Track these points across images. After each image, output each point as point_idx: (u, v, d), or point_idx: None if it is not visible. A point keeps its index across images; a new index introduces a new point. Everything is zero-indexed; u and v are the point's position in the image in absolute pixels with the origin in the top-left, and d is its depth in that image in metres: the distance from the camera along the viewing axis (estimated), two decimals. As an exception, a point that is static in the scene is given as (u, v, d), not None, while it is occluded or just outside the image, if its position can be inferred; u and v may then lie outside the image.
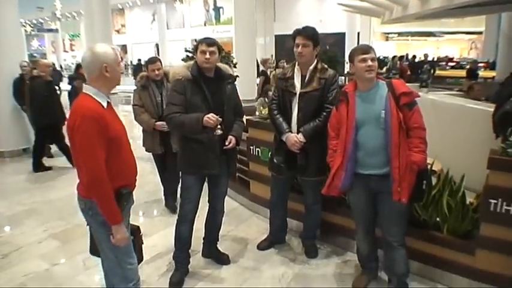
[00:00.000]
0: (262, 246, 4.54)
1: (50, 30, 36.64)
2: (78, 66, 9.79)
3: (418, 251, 3.82)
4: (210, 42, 3.64)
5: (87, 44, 21.39)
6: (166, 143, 5.34)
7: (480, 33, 22.16)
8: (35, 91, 7.38)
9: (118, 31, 37.33)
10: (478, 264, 3.52)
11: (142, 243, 3.22)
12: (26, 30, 34.61)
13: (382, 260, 3.72)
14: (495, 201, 3.30)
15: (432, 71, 16.52)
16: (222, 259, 4.26)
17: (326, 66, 4.00)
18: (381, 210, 3.44)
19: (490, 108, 4.63)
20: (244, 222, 5.28)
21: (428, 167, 3.39)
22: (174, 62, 22.92)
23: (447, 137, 4.83)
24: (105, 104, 2.67)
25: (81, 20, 40.06)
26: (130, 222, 2.99)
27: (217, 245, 4.33)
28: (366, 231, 3.67)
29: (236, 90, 3.96)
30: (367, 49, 3.30)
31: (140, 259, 3.14)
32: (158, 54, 34.81)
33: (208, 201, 4.12)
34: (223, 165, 3.88)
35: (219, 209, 4.15)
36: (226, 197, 4.23)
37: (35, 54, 38.87)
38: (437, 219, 3.79)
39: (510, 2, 6.71)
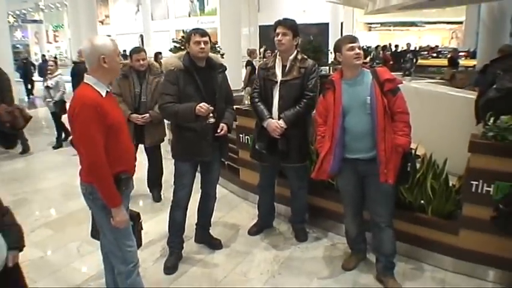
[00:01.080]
0: (252, 231, 4.66)
1: (35, 21, 36.22)
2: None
3: (404, 233, 3.96)
4: (203, 32, 3.75)
5: (71, 35, 21.23)
6: (139, 136, 5.32)
7: (461, 23, 22.51)
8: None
9: (102, 22, 37.02)
10: (461, 244, 3.68)
11: (142, 229, 3.33)
12: (9, 21, 34.20)
13: (371, 242, 3.86)
14: (476, 182, 3.46)
15: (414, 60, 16.75)
16: (214, 244, 4.37)
17: (305, 56, 4.15)
18: (368, 192, 3.58)
19: (471, 95, 4.81)
20: (234, 208, 5.40)
21: (412, 151, 3.52)
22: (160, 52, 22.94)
23: (431, 123, 4.97)
24: (103, 93, 2.76)
25: (64, 10, 39.71)
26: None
27: (210, 231, 4.44)
28: (354, 214, 3.81)
29: (227, 79, 4.07)
30: (354, 38, 3.47)
31: (139, 244, 3.24)
32: (143, 45, 34.53)
33: (201, 188, 4.23)
34: (216, 152, 4.00)
35: (212, 195, 4.26)
36: (217, 185, 4.34)
37: (17, 45, 38.41)
38: (422, 201, 3.94)
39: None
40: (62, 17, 41.74)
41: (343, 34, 25.01)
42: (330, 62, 16.38)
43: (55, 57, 20.27)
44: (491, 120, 3.48)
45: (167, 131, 5.74)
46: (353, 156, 3.51)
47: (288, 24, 4.04)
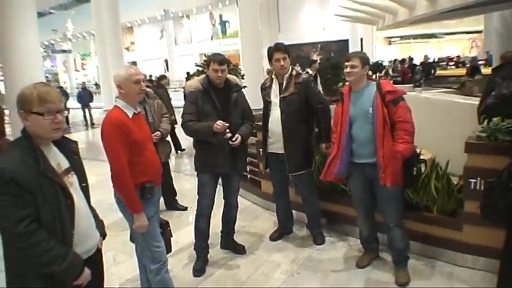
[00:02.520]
0: (273, 237, 5.01)
1: (64, 51, 37.57)
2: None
3: (414, 231, 4.24)
4: (221, 61, 4.15)
5: (99, 62, 22.03)
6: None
7: (480, 32, 22.56)
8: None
9: (128, 49, 38.03)
10: (466, 238, 3.96)
11: (171, 236, 3.79)
12: (39, 52, 35.52)
13: (386, 242, 4.19)
14: (474, 180, 3.76)
15: (433, 71, 16.98)
16: (238, 249, 4.74)
17: (300, 71, 4.63)
18: (377, 195, 3.92)
19: (476, 101, 5.10)
20: (257, 218, 5.75)
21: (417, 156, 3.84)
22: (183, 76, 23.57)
23: (439, 129, 5.28)
24: (130, 115, 3.23)
25: (91, 39, 40.98)
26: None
27: (234, 237, 4.81)
28: (365, 215, 4.15)
29: (244, 97, 4.49)
30: (349, 57, 3.86)
31: (169, 250, 3.69)
32: (167, 70, 35.47)
33: (224, 198, 4.62)
34: (234, 165, 4.37)
35: (233, 204, 4.65)
36: (240, 197, 4.77)
37: (47, 75, 39.72)
38: (427, 201, 4.24)
39: (496, 3, 7.16)
40: (89, 46, 43.09)
41: (363, 49, 25.41)
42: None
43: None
44: (485, 123, 3.80)
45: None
46: (360, 161, 3.87)
47: (284, 48, 4.51)
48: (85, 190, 2.51)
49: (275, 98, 4.56)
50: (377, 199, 3.96)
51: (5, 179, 2.04)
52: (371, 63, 16.15)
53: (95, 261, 2.53)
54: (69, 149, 2.46)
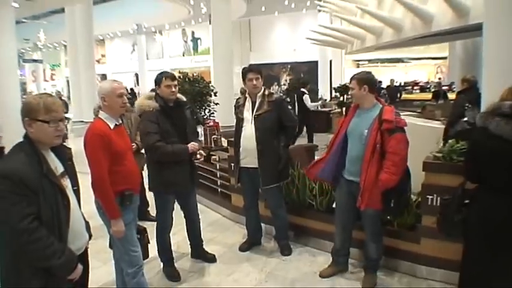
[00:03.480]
0: (243, 248, 5.22)
1: (35, 61, 37.21)
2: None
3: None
4: (172, 76, 4.36)
5: (70, 73, 21.88)
6: None
7: (445, 58, 23.35)
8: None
9: (98, 61, 37.81)
10: (423, 251, 4.26)
11: (149, 242, 4.01)
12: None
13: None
14: (431, 196, 4.07)
15: (399, 95, 17.63)
16: (209, 258, 4.93)
17: (272, 91, 4.95)
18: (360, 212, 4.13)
19: (436, 124, 5.46)
20: (227, 230, 5.95)
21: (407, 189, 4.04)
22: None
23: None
24: (112, 126, 3.45)
25: (61, 50, 40.66)
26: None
27: (203, 246, 5.01)
28: (342, 227, 4.39)
29: (193, 115, 4.73)
30: (350, 79, 4.13)
31: (146, 256, 3.92)
32: (138, 84, 35.42)
33: (185, 216, 4.83)
34: (192, 181, 4.59)
35: (196, 219, 4.87)
36: (211, 210, 4.99)
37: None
38: (388, 217, 4.53)
39: (456, 33, 7.62)
40: (59, 56, 42.73)
41: (332, 71, 25.99)
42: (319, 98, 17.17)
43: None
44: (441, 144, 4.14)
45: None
46: (348, 178, 4.12)
47: (257, 69, 4.81)
48: (76, 193, 2.74)
49: (248, 115, 4.82)
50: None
51: (15, 179, 2.25)
52: (340, 85, 16.73)
53: (83, 259, 2.72)
54: (63, 154, 2.68)
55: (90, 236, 2.88)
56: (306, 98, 12.29)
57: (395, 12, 6.86)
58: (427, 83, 23.82)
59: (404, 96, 18.64)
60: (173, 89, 4.30)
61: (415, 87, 22.72)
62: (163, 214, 4.54)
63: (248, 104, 4.87)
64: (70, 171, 2.71)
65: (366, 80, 3.98)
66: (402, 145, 3.77)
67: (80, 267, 2.53)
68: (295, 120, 5.05)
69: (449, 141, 4.12)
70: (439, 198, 3.95)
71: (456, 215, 3.32)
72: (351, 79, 4.10)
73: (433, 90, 17.42)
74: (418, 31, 6.39)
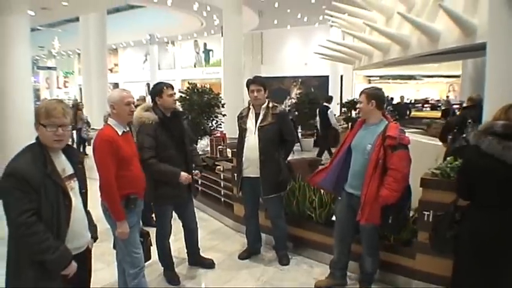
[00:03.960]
0: (242, 256, 5.30)
1: (49, 68, 37.65)
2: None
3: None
4: (171, 85, 4.51)
5: (83, 81, 22.16)
6: None
7: (458, 76, 23.26)
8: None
9: (111, 70, 38.18)
10: (418, 266, 4.28)
11: (151, 245, 4.13)
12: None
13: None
14: (428, 212, 4.09)
15: (408, 112, 17.63)
16: (207, 263, 5.02)
17: (276, 104, 5.01)
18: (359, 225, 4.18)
19: (437, 142, 5.51)
20: (228, 239, 6.02)
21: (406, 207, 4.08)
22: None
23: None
24: (120, 132, 3.61)
25: (75, 58, 41.11)
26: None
27: (200, 253, 5.09)
28: (339, 239, 4.43)
29: (189, 124, 4.85)
30: (360, 93, 4.20)
31: (148, 258, 4.04)
32: (149, 93, 35.63)
33: (183, 226, 4.92)
34: (189, 192, 4.71)
35: (194, 228, 4.96)
36: (213, 219, 5.20)
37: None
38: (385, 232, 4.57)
39: (466, 51, 7.68)
40: (73, 64, 43.19)
41: (343, 86, 26.08)
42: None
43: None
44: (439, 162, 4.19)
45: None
46: (349, 191, 4.18)
47: (260, 81, 4.91)
48: (84, 195, 2.88)
49: (251, 125, 4.92)
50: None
51: (18, 176, 2.44)
52: (348, 100, 16.80)
53: (84, 258, 2.87)
54: (75, 158, 2.85)
55: (96, 239, 3.03)
56: (331, 114, 12.16)
57: (402, 30, 6.95)
58: (438, 101, 23.72)
59: (414, 113, 18.62)
60: (174, 98, 4.48)
61: (426, 105, 22.67)
62: (162, 222, 4.64)
63: (251, 115, 4.98)
64: (79, 173, 2.86)
65: (375, 96, 4.04)
66: (404, 162, 3.81)
67: (74, 264, 2.64)
68: (295, 136, 5.23)
69: (448, 158, 4.17)
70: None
71: (448, 232, 3.37)
72: (361, 93, 4.17)
73: (442, 108, 17.39)
74: (425, 49, 6.46)
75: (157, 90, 4.41)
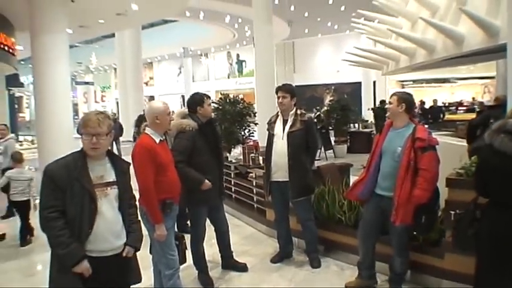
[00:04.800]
0: (274, 260, 5.44)
1: (87, 83, 38.74)
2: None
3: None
4: (210, 96, 4.85)
5: (119, 95, 22.73)
6: None
7: (493, 77, 22.78)
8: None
9: (146, 83, 38.95)
10: (447, 265, 4.33)
11: (186, 248, 4.34)
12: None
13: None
14: (454, 212, 4.15)
15: (442, 116, 17.48)
16: (240, 267, 5.20)
17: (304, 111, 5.19)
18: (388, 225, 4.29)
19: (460, 142, 5.56)
20: (260, 243, 6.19)
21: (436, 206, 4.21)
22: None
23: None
24: (157, 141, 3.88)
25: (111, 72, 42.17)
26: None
27: (233, 257, 5.27)
28: (363, 239, 4.53)
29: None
30: (391, 95, 4.40)
31: (183, 261, 4.23)
32: (184, 105, 36.30)
33: (216, 228, 5.12)
34: (221, 196, 4.98)
35: (226, 230, 5.16)
36: (246, 225, 5.63)
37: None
38: (414, 232, 4.65)
39: (496, 51, 7.65)
40: (109, 79, 44.33)
41: (376, 92, 25.98)
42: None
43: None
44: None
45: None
46: (379, 192, 4.29)
47: (286, 88, 5.11)
48: (123, 203, 3.07)
49: (279, 131, 5.11)
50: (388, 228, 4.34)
51: (48, 175, 2.79)
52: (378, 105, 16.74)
53: (114, 263, 3.00)
54: (120, 167, 3.07)
55: (136, 249, 3.16)
56: None
57: (427, 34, 7.02)
58: (472, 103, 23.36)
59: (448, 116, 18.43)
60: (212, 107, 4.81)
61: (460, 108, 22.40)
62: (196, 225, 4.85)
63: (279, 121, 5.17)
64: (121, 182, 3.04)
65: (405, 100, 4.20)
66: (434, 163, 3.95)
67: (85, 265, 2.80)
68: (318, 144, 5.52)
69: (472, 158, 4.24)
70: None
71: (469, 229, 3.43)
72: (393, 94, 4.34)
73: (477, 110, 17.17)
74: (450, 52, 6.52)
75: (199, 100, 4.72)
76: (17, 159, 6.79)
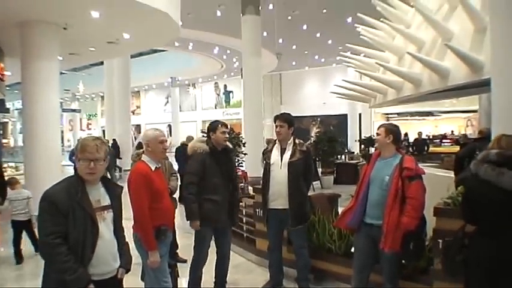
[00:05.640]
0: (265, 288, 5.48)
1: (74, 110, 38.74)
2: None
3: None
4: (226, 125, 4.99)
5: (106, 123, 22.71)
6: None
7: (475, 111, 23.23)
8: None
9: (133, 112, 39.02)
10: (435, 294, 4.43)
11: (178, 276, 4.42)
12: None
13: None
14: (441, 240, 4.26)
15: (426, 148, 17.79)
16: None
17: (302, 141, 5.34)
18: (379, 255, 4.37)
19: (447, 174, 5.70)
20: (251, 273, 6.22)
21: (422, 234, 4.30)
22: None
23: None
24: (153, 168, 3.95)
25: (98, 100, 42.17)
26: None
27: (226, 286, 5.30)
28: (359, 269, 4.58)
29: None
30: (379, 126, 4.54)
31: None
32: (170, 135, 36.36)
33: (217, 252, 5.17)
34: (231, 219, 5.04)
35: (227, 255, 5.22)
36: (235, 254, 5.58)
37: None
38: (403, 261, 4.73)
39: (478, 86, 7.87)
40: (96, 107, 44.30)
41: (361, 124, 26.31)
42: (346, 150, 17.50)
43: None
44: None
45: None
46: (368, 221, 4.38)
47: (283, 118, 5.21)
48: (117, 226, 3.13)
49: (277, 160, 5.20)
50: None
51: (49, 201, 2.78)
52: (365, 137, 16.97)
53: (111, 285, 3.05)
54: (113, 191, 3.12)
55: (128, 270, 3.21)
56: None
57: (414, 68, 7.21)
58: (457, 136, 23.81)
59: (432, 149, 18.77)
60: (227, 135, 4.94)
61: (444, 140, 22.80)
62: (199, 247, 4.93)
63: (276, 150, 5.27)
64: (115, 206, 3.10)
65: (393, 131, 4.39)
66: (421, 191, 4.09)
67: None
68: (313, 174, 5.68)
69: (459, 188, 4.37)
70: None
71: (458, 256, 3.53)
72: (380, 126, 4.51)
73: (461, 142, 17.50)
74: (436, 85, 6.69)
75: (213, 126, 4.95)
76: (11, 183, 7.33)
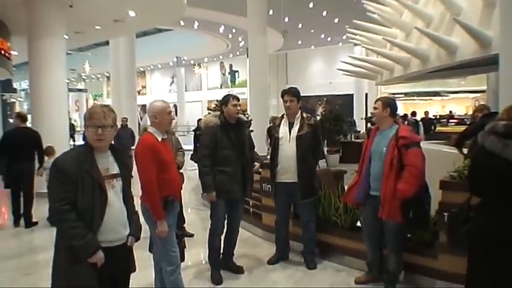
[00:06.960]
0: (271, 261, 5.54)
1: (80, 90, 38.59)
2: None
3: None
4: (238, 97, 5.00)
5: (112, 102, 22.71)
6: None
7: (483, 91, 22.97)
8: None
9: (139, 92, 38.98)
10: (440, 266, 4.45)
11: (185, 246, 4.41)
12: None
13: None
14: (447, 213, 4.30)
15: (433, 127, 17.77)
16: (237, 270, 5.27)
17: (309, 115, 5.38)
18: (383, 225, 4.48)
19: (451, 150, 5.74)
20: (257, 247, 6.28)
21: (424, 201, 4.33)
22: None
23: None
24: (159, 139, 3.97)
25: (104, 81, 42.12)
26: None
27: (233, 259, 5.36)
28: (368, 237, 4.73)
29: (250, 132, 5.24)
30: (376, 100, 4.62)
31: (182, 259, 4.29)
32: (176, 115, 36.36)
33: (227, 224, 5.20)
34: (243, 191, 5.07)
35: (237, 229, 5.29)
36: (242, 229, 5.54)
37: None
38: (408, 234, 4.78)
39: (487, 65, 7.83)
40: (102, 87, 44.30)
41: (368, 104, 26.21)
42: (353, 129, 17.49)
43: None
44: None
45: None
46: (373, 193, 4.48)
47: (292, 92, 5.25)
48: (127, 195, 3.16)
49: (286, 134, 5.24)
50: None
51: (58, 168, 2.83)
52: (371, 113, 16.90)
53: (121, 253, 3.08)
54: (122, 159, 3.16)
55: (137, 238, 3.23)
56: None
57: (421, 44, 7.18)
58: (466, 114, 23.71)
59: (439, 128, 18.74)
60: (238, 108, 4.93)
61: (451, 120, 22.74)
62: (214, 217, 5.03)
63: (284, 124, 5.31)
64: (124, 174, 3.12)
65: (389, 104, 4.49)
66: (419, 158, 4.17)
67: (100, 254, 2.87)
68: (322, 147, 5.70)
69: (465, 161, 4.38)
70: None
71: (463, 227, 3.56)
72: (377, 100, 4.58)
73: (468, 123, 17.45)
74: (443, 61, 6.67)
75: (225, 100, 4.99)
76: (48, 152, 7.98)
